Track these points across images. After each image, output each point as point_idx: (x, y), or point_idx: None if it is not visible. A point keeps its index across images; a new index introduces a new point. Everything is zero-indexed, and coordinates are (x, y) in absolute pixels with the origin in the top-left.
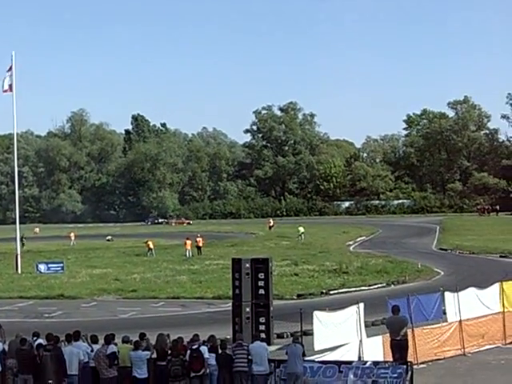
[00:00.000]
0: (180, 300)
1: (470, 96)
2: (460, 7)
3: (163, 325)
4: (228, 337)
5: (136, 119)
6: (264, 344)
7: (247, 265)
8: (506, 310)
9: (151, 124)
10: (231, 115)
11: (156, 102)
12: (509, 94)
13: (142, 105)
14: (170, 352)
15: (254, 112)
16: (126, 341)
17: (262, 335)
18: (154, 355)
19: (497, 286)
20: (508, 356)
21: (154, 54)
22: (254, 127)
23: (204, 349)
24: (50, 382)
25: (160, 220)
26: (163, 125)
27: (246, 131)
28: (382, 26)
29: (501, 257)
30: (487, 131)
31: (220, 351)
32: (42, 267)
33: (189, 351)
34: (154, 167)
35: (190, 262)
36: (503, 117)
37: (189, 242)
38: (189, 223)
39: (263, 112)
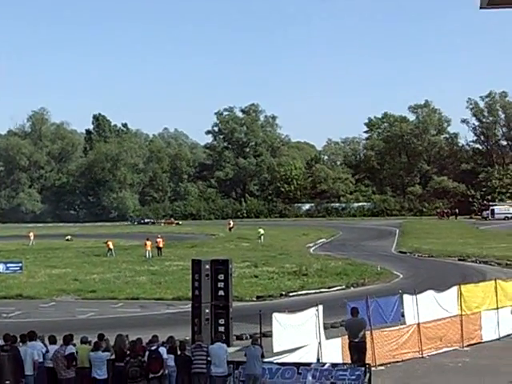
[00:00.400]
0: (139, 301)
1: (430, 100)
2: (420, 12)
3: (122, 326)
4: (187, 338)
5: (97, 119)
6: (224, 345)
7: (207, 266)
8: (463, 313)
9: (112, 124)
10: (193, 116)
11: (118, 102)
12: (469, 98)
13: (103, 105)
14: (128, 353)
15: (215, 113)
16: (84, 341)
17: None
18: (113, 356)
19: (455, 289)
20: (465, 359)
21: (115, 53)
22: (216, 128)
23: (163, 350)
24: (7, 382)
25: (146, 220)
26: (124, 125)
27: (208, 132)
28: (343, 29)
29: (459, 260)
30: (447, 135)
31: (179, 352)
32: (1, 267)
33: (147, 352)
34: (114, 167)
35: (150, 262)
36: (463, 121)
37: (149, 243)
38: (178, 223)
39: (225, 113)
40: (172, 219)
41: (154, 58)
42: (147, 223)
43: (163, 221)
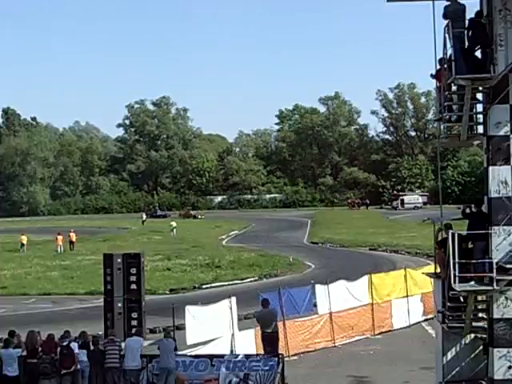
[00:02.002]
0: (51, 296)
1: (340, 92)
2: (326, 3)
3: (34, 322)
4: (100, 333)
5: (6, 113)
6: (140, 339)
7: (119, 260)
8: (374, 301)
9: (22, 118)
10: (104, 109)
11: (27, 95)
12: (378, 90)
13: (12, 98)
14: (40, 349)
15: (126, 106)
16: None
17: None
18: (25, 353)
19: (366, 278)
20: (377, 346)
21: (24, 45)
22: (127, 121)
23: (74, 345)
24: None
25: (159, 213)
26: (34, 119)
27: (119, 125)
28: (252, 22)
29: (370, 250)
30: (357, 127)
31: (92, 347)
32: None
33: (59, 348)
34: (24, 162)
35: (62, 257)
36: (373, 113)
37: (60, 238)
38: (195, 217)
39: (136, 106)
40: (192, 212)
41: (63, 51)
42: (159, 216)
43: (181, 212)
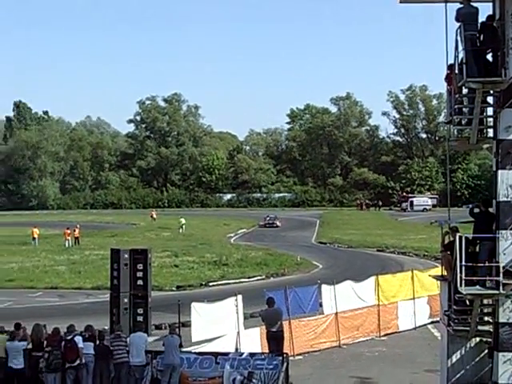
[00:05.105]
0: (58, 290)
1: (352, 92)
2: (341, 3)
3: (40, 315)
4: (106, 328)
5: (18, 106)
6: (144, 335)
7: (126, 255)
8: (380, 302)
9: (33, 111)
10: (115, 105)
11: (39, 88)
12: (390, 91)
13: (24, 91)
14: (46, 343)
15: (137, 102)
16: (0, 331)
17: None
18: (30, 346)
19: (372, 279)
20: (382, 348)
21: (36, 39)
22: (138, 117)
23: (78, 339)
24: None
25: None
26: (45, 112)
27: (130, 121)
28: (268, 21)
29: (378, 251)
30: (368, 127)
31: (98, 342)
32: None
33: (63, 342)
34: (35, 155)
35: (70, 251)
36: (384, 114)
37: (68, 232)
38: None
39: (147, 102)
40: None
41: (75, 46)
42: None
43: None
